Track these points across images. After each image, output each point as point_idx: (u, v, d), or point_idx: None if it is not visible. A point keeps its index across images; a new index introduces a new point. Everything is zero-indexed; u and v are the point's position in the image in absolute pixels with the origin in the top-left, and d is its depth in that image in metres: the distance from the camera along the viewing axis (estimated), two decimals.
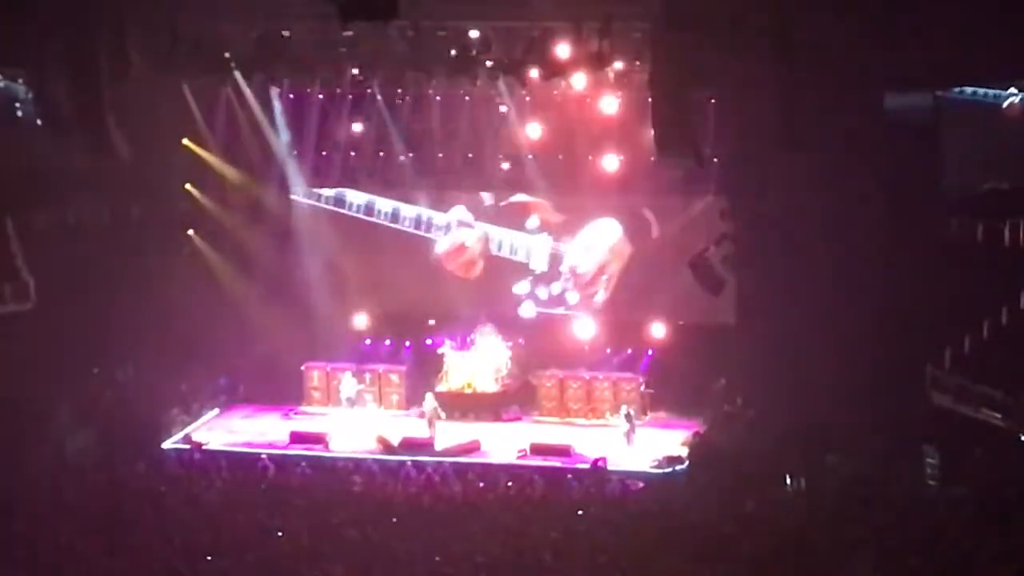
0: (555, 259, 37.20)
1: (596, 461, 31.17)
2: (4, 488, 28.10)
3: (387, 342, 37.81)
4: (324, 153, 37.49)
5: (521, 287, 37.24)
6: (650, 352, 36.21)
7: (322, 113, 36.90)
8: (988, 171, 32.63)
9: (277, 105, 36.81)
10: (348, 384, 36.03)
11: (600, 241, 36.90)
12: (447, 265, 37.53)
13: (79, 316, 33.80)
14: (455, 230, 37.51)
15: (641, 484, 29.98)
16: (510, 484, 30.01)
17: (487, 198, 37.28)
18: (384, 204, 37.79)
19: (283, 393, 36.76)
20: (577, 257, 37.07)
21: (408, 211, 37.65)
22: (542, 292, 37.19)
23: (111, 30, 31.41)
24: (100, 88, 30.81)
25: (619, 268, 36.83)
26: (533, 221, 37.09)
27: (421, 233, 37.63)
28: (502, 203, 37.15)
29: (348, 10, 22.99)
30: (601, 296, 36.96)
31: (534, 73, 31.67)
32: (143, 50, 32.47)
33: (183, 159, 36.79)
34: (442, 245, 37.57)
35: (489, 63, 32.59)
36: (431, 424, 33.60)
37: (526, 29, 32.06)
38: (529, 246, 37.24)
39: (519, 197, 36.96)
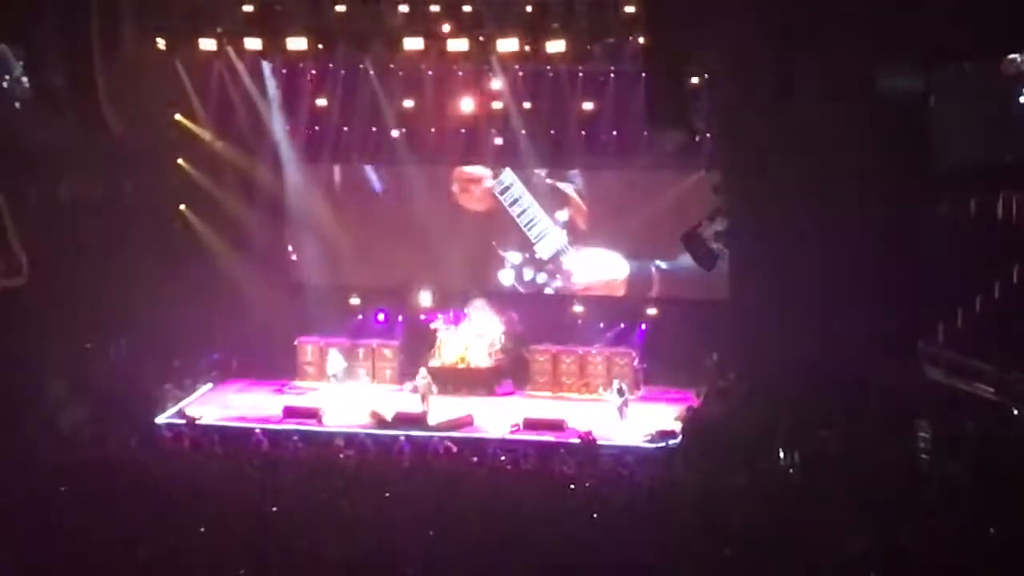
0: (556, 257, 37.42)
1: (583, 435, 31.22)
2: None
3: (380, 316, 37.84)
4: (316, 128, 37.42)
5: (512, 257, 37.57)
6: (643, 326, 36.27)
7: (314, 88, 36.82)
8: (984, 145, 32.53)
9: (270, 80, 36.75)
10: (335, 360, 35.99)
11: (602, 270, 37.36)
12: (459, 188, 37.81)
13: (71, 291, 33.72)
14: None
15: (633, 458, 30.04)
16: (503, 458, 30.04)
17: (543, 174, 37.43)
18: None
19: (276, 368, 36.76)
20: (576, 266, 37.41)
21: None
22: (527, 272, 37.64)
23: (103, 4, 31.33)
24: (92, 63, 30.74)
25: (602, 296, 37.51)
26: (563, 214, 37.26)
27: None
28: (548, 179, 37.34)
29: None
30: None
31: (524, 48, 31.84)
32: (135, 25, 32.43)
33: (176, 134, 36.76)
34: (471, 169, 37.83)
35: (481, 39, 32.58)
36: (424, 399, 33.64)
37: (518, 4, 32.06)
38: (545, 231, 37.34)
39: (567, 188, 37.24)
